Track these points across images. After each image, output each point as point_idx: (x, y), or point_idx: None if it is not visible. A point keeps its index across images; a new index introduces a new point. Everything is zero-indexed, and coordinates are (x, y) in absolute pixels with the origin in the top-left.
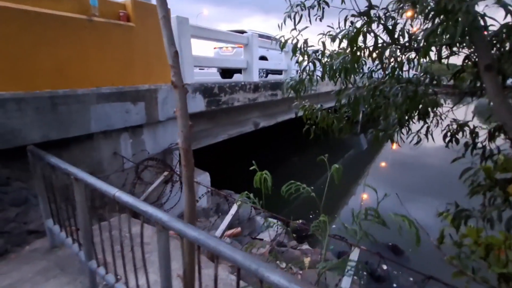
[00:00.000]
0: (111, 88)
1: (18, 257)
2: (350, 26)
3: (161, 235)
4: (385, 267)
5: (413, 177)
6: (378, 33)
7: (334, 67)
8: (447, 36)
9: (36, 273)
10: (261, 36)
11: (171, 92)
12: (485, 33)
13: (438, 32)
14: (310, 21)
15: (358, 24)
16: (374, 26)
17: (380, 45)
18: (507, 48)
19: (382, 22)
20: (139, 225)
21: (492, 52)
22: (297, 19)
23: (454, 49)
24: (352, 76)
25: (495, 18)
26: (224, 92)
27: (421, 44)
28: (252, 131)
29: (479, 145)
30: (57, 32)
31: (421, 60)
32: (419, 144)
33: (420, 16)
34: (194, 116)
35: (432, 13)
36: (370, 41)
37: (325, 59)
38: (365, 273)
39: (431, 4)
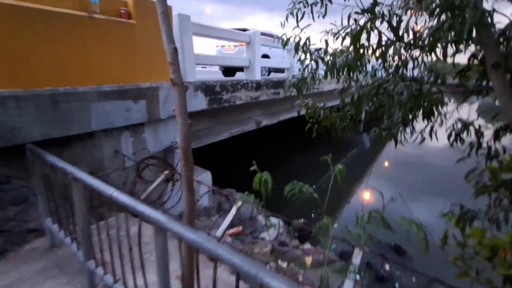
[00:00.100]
0: (112, 86)
1: (17, 256)
2: (353, 23)
3: (158, 237)
4: (388, 267)
5: (417, 176)
6: (382, 31)
7: (337, 65)
8: (453, 33)
9: (35, 272)
10: (263, 34)
11: (173, 90)
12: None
13: (444, 29)
14: (313, 18)
15: (362, 22)
16: (377, 23)
17: (384, 43)
18: None
19: (387, 19)
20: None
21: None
22: (300, 16)
23: (460, 46)
24: (356, 74)
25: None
26: (226, 90)
27: (426, 42)
28: (254, 129)
29: (484, 144)
30: (57, 29)
31: (426, 58)
32: (422, 142)
33: (425, 13)
34: (196, 114)
35: (438, 9)
36: (373, 38)
37: (328, 57)
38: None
39: (437, 0)
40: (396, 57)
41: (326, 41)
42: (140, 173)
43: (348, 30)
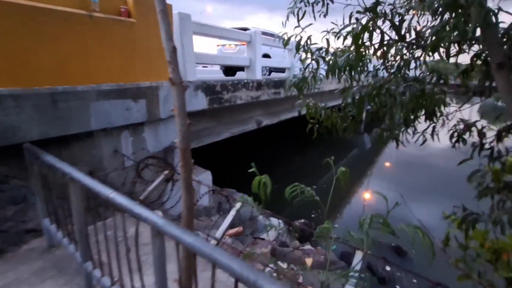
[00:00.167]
0: (111, 85)
1: (15, 257)
2: (355, 22)
3: (156, 240)
4: (388, 268)
5: (418, 177)
6: (383, 30)
7: (339, 65)
8: (456, 33)
9: (32, 273)
10: (264, 33)
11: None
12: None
13: (448, 28)
14: (314, 17)
15: (364, 21)
16: (379, 22)
17: (386, 42)
18: None
19: (389, 18)
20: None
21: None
22: (301, 15)
23: (463, 46)
24: (357, 74)
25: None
26: (226, 90)
27: (429, 41)
28: (255, 129)
29: (487, 145)
30: (56, 27)
31: (428, 58)
32: (424, 143)
33: (427, 12)
34: (196, 114)
35: (441, 8)
36: (375, 38)
37: (329, 57)
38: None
39: None
40: (398, 57)
41: (328, 41)
42: (139, 173)
43: (350, 29)
